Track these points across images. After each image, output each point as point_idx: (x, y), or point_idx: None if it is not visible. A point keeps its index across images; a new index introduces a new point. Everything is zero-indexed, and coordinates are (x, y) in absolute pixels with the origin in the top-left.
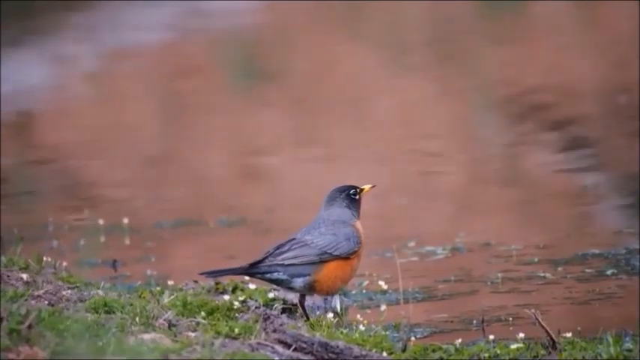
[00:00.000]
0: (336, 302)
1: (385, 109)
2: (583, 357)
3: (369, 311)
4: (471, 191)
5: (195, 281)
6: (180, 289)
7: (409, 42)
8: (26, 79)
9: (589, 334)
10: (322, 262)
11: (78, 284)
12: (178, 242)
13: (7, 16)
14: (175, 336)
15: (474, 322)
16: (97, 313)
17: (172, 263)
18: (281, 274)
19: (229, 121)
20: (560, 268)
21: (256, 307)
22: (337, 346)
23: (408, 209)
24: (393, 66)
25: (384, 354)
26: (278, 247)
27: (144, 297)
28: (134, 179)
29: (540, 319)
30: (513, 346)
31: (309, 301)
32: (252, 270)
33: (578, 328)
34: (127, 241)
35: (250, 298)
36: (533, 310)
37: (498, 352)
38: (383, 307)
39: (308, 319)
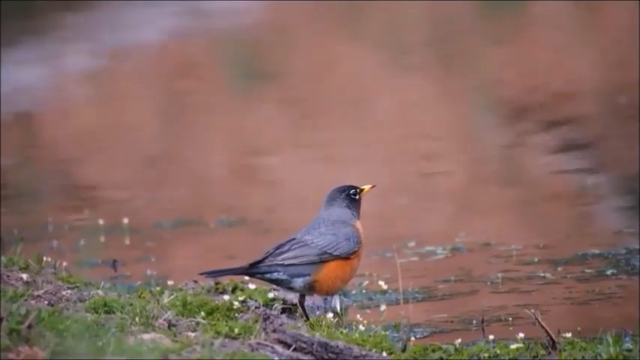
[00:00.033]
0: (336, 302)
1: (385, 109)
2: (583, 357)
3: (368, 311)
4: (470, 191)
5: (195, 281)
6: (180, 289)
7: (409, 42)
8: (26, 79)
9: (589, 334)
10: (322, 262)
11: (78, 284)
12: (178, 242)
13: (6, 16)
14: (175, 336)
15: (474, 322)
16: (96, 313)
17: (172, 263)
18: (281, 274)
19: (229, 121)
20: (560, 268)
21: (256, 307)
22: (337, 346)
23: (408, 209)
24: (393, 66)
25: (384, 354)
26: (278, 247)
27: (144, 297)
28: (134, 179)
29: (540, 319)
30: (513, 346)
31: (308, 301)
32: (252, 270)
33: (578, 328)
34: (127, 241)
35: (250, 298)
36: (533, 310)
37: (498, 352)
38: (383, 307)
39: (308, 319)
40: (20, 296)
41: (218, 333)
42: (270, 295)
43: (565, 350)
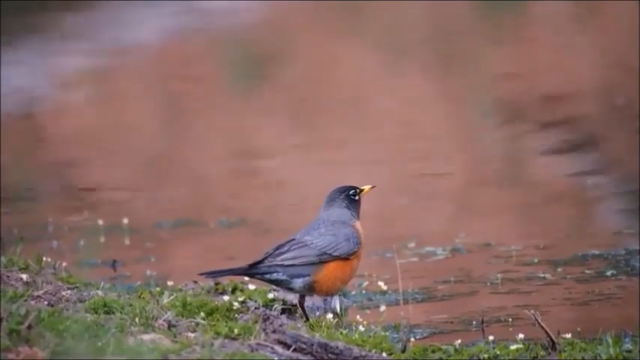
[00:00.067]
0: (336, 303)
1: (385, 109)
2: (582, 358)
3: (368, 312)
4: (470, 192)
5: (195, 282)
6: (180, 290)
7: (409, 42)
8: (26, 79)
9: (588, 335)
10: (322, 262)
11: (77, 284)
12: (178, 242)
13: (6, 16)
14: (175, 336)
15: (474, 322)
16: (96, 313)
17: (172, 263)
18: (280, 274)
19: (229, 122)
20: (559, 269)
21: (256, 308)
22: (337, 347)
23: (407, 209)
24: (392, 66)
25: (384, 354)
26: (277, 248)
27: (143, 297)
28: (134, 179)
29: (540, 320)
30: (513, 347)
31: (308, 301)
32: (252, 270)
33: (578, 329)
34: (127, 242)
35: (250, 299)
36: (532, 311)
37: (498, 352)
38: (382, 308)
39: (307, 319)
40: (20, 296)
41: (218, 333)
42: (270, 295)
43: (565, 351)
